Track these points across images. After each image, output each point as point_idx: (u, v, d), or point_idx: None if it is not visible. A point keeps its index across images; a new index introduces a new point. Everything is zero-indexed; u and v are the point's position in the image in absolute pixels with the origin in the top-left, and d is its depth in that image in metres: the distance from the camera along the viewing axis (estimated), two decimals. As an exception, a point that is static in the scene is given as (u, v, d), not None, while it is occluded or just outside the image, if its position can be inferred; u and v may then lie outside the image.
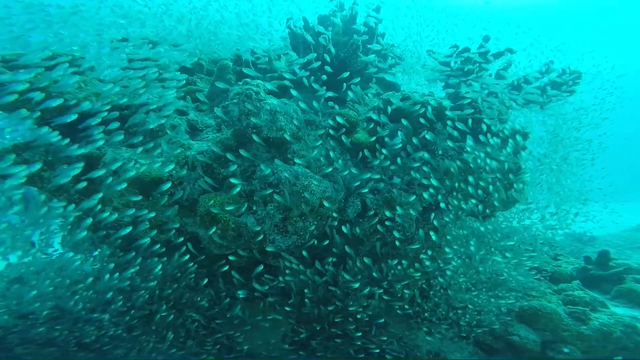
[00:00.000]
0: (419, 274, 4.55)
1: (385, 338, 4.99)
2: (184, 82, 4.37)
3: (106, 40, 4.41)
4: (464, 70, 5.22)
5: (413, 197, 4.32)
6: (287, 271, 4.02)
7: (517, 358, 5.24)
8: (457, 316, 5.49)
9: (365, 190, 4.37)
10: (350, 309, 4.46)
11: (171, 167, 3.72)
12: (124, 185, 3.52)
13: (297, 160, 4.11)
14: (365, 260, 4.21)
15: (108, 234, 4.06)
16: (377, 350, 4.81)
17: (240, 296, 4.24)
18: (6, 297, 5.39)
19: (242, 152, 3.83)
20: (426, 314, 5.21)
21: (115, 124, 3.63)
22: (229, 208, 3.84)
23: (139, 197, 3.68)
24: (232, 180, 3.74)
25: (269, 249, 3.92)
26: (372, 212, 4.39)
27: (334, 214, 4.25)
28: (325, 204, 4.06)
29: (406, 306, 5.03)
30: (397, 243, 4.23)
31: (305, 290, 4.11)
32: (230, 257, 3.83)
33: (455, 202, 4.36)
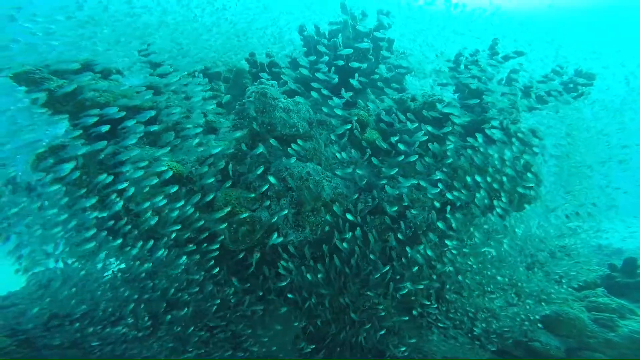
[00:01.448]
0: (448, 266, 4.49)
1: (415, 340, 4.87)
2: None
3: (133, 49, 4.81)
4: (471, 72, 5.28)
5: (433, 191, 4.31)
6: (282, 263, 4.06)
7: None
8: (472, 323, 5.32)
9: (378, 187, 4.45)
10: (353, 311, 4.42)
11: (220, 148, 3.87)
12: (155, 181, 3.75)
13: (292, 151, 4.24)
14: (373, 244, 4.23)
15: (132, 229, 4.27)
16: (404, 348, 4.69)
17: (236, 284, 4.31)
18: (33, 299, 5.63)
19: (243, 146, 4.02)
20: (439, 317, 5.09)
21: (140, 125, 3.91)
22: (245, 203, 4.02)
23: (174, 188, 3.86)
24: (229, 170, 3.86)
25: (271, 242, 3.99)
26: (383, 209, 4.44)
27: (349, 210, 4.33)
28: (336, 199, 4.16)
29: (419, 309, 4.94)
30: (399, 236, 4.25)
31: (307, 275, 4.12)
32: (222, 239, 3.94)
33: (464, 198, 4.36)
